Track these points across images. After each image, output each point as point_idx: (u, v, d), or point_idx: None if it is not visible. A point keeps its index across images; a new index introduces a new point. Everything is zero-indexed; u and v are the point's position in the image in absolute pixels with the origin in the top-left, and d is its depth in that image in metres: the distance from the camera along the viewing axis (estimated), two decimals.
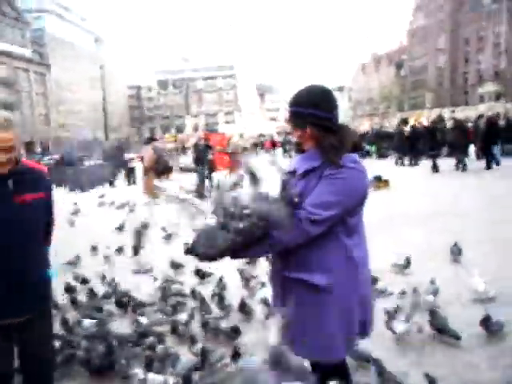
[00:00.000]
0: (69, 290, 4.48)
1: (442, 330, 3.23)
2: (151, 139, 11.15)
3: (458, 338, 3.13)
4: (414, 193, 10.27)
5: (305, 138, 1.82)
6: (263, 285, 4.13)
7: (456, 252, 5.04)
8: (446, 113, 46.47)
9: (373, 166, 16.04)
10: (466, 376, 2.80)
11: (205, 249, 1.66)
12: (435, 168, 13.67)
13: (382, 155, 20.83)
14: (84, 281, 4.81)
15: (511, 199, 8.44)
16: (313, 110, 1.76)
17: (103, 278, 4.85)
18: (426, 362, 3.00)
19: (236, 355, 2.93)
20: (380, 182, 11.17)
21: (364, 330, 1.91)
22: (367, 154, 20.93)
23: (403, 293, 4.00)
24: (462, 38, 61.88)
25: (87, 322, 3.53)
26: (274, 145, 29.23)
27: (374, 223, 7.03)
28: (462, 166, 13.40)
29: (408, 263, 4.79)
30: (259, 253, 1.80)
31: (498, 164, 13.57)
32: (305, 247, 1.72)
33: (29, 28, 52.84)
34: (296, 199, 1.68)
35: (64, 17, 63.26)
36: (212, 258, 1.68)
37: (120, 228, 7.69)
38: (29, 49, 52.16)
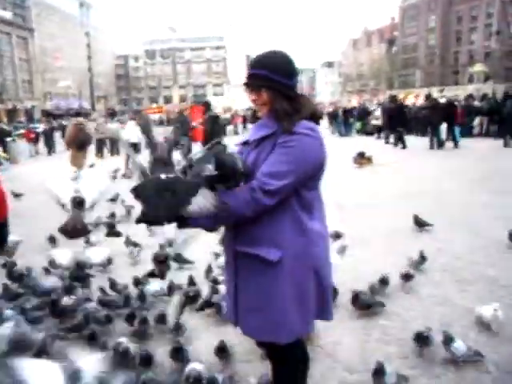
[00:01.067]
0: None
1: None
2: (77, 114, 11.61)
3: None
4: (397, 170, 10.32)
5: (259, 101, 1.76)
6: None
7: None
8: (435, 92, 46.56)
9: (357, 143, 16.25)
10: None
11: (153, 212, 1.57)
12: (402, 144, 14.63)
13: (367, 132, 20.85)
14: None
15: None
16: (269, 73, 1.71)
17: None
18: None
19: None
20: (363, 158, 11.19)
21: (323, 316, 1.88)
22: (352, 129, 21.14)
23: None
24: (454, 16, 61.28)
25: None
26: (244, 120, 27.70)
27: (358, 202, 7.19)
28: (437, 143, 13.86)
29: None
30: (207, 222, 1.69)
31: (456, 145, 13.98)
32: (256, 220, 1.68)
33: None
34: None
35: None
36: (159, 221, 1.63)
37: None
38: (10, 11, 50.22)
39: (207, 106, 12.02)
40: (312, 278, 1.77)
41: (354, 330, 3.15)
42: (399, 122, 15.45)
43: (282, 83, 1.73)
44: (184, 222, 1.67)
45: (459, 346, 2.67)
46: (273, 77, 1.71)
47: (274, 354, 1.95)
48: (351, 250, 4.81)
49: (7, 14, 49.51)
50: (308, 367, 2.02)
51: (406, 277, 3.76)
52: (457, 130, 14.36)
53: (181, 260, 4.20)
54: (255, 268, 1.74)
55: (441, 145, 13.94)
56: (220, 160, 1.61)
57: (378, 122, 19.50)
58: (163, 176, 1.55)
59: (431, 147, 13.93)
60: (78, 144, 11.02)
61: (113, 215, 6.15)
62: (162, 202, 1.52)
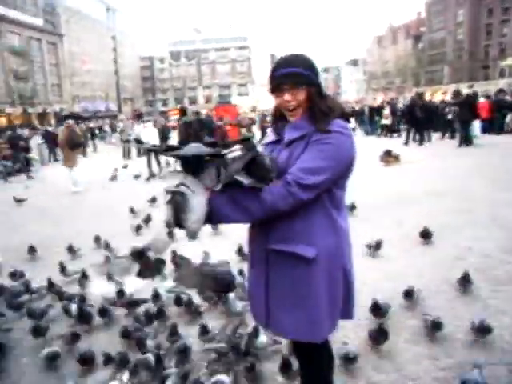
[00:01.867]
0: None
1: None
2: (67, 117, 12.08)
3: None
4: (425, 168, 10.11)
5: (295, 102, 1.73)
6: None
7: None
8: (464, 88, 45.30)
9: (382, 142, 16.02)
10: None
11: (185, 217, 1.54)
12: (419, 141, 15.07)
13: (394, 130, 20.40)
14: None
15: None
16: (311, 73, 1.72)
17: None
18: None
19: None
20: (390, 156, 11.02)
21: (347, 315, 1.87)
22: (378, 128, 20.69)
23: None
24: (484, 9, 59.50)
25: None
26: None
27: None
28: (464, 141, 13.45)
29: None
30: (241, 217, 1.63)
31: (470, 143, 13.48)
32: (291, 217, 1.67)
33: None
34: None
35: None
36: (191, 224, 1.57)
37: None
38: (41, 18, 51.65)
39: (182, 111, 12.50)
40: (341, 276, 1.78)
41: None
42: (426, 121, 15.21)
43: (318, 82, 1.74)
44: (217, 217, 1.62)
45: None
46: (311, 75, 1.72)
47: (304, 353, 1.94)
48: (380, 250, 4.80)
49: (38, 21, 50.88)
50: (333, 366, 2.02)
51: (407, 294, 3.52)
52: (476, 124, 13.94)
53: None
54: (290, 266, 1.72)
55: (470, 142, 13.54)
56: (257, 161, 1.58)
57: (388, 121, 19.19)
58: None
59: (460, 145, 13.56)
60: (71, 145, 12.05)
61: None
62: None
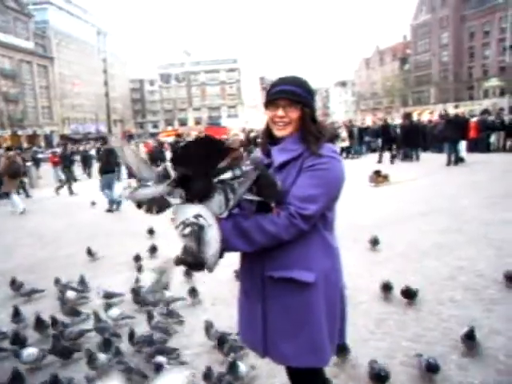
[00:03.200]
0: None
1: None
2: (8, 149, 12.91)
3: None
4: (415, 188, 10.20)
5: (286, 119, 1.74)
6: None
7: None
8: (450, 108, 46.27)
9: (369, 161, 16.20)
10: None
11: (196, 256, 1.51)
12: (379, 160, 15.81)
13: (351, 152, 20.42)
14: None
15: None
16: (308, 95, 1.75)
17: None
18: None
19: None
20: (379, 176, 11.11)
21: (341, 338, 1.87)
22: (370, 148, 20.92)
23: None
24: (466, 32, 61.26)
25: None
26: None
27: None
28: (455, 159, 13.73)
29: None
30: (243, 245, 1.64)
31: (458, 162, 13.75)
32: (287, 244, 1.66)
33: (32, 20, 52.69)
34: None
35: (66, 9, 62.98)
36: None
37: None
38: (32, 41, 52.03)
39: (105, 140, 13.43)
40: (338, 297, 1.79)
41: (377, 351, 3.09)
42: (415, 140, 15.68)
43: (312, 105, 1.77)
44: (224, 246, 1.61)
45: None
46: (307, 97, 1.75)
47: (301, 379, 1.88)
48: (370, 268, 4.80)
49: (29, 45, 51.26)
50: None
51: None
52: (463, 144, 14.25)
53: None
54: (289, 292, 1.70)
55: (459, 160, 13.77)
56: (262, 178, 1.58)
57: (346, 144, 19.44)
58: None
59: (448, 164, 13.76)
60: (11, 173, 12.48)
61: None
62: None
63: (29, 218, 10.14)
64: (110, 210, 10.01)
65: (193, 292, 4.17)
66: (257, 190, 1.58)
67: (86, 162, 20.80)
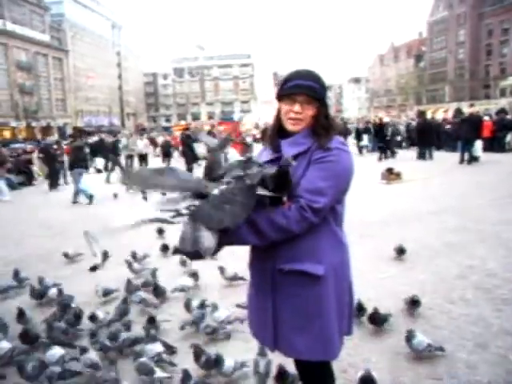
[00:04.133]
0: None
1: None
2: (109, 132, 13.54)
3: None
4: (427, 186, 10.10)
5: (302, 115, 1.73)
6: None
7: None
8: (465, 107, 45.53)
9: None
10: None
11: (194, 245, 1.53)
12: (380, 157, 16.60)
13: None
14: None
15: None
16: (323, 91, 1.75)
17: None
18: None
19: None
20: (391, 174, 11.02)
21: (348, 331, 1.88)
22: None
23: None
24: (484, 30, 60.28)
25: None
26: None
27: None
28: (468, 158, 13.57)
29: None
30: (254, 239, 1.63)
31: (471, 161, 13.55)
32: (298, 237, 1.66)
33: (48, 13, 53.11)
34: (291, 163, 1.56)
35: (82, 2, 63.37)
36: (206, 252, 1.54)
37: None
38: (47, 34, 52.50)
39: (75, 134, 14.11)
40: (347, 290, 1.80)
41: (383, 349, 3.08)
42: (429, 138, 15.80)
43: (326, 102, 1.78)
44: (230, 238, 1.61)
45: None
46: (323, 93, 1.76)
47: (310, 372, 1.88)
48: (379, 266, 4.77)
49: (45, 37, 51.74)
50: None
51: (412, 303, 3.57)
52: (478, 143, 13.87)
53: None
54: (299, 285, 1.70)
55: (473, 160, 13.58)
56: (282, 171, 1.56)
57: (365, 142, 20.18)
58: (216, 191, 1.55)
59: (461, 162, 13.62)
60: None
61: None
62: (224, 214, 1.51)
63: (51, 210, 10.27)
64: (75, 202, 10.67)
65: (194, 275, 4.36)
66: (274, 186, 1.57)
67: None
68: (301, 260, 1.69)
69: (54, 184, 14.12)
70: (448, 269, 4.58)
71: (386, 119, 19.98)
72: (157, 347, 2.96)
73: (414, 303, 3.53)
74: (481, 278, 4.26)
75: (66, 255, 5.74)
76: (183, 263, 4.87)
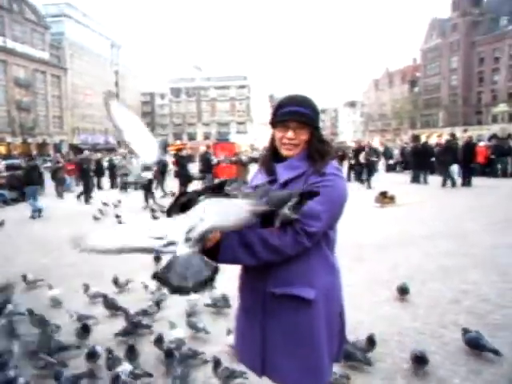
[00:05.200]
0: None
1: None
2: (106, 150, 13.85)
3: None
4: (420, 210, 10.15)
5: (295, 141, 1.75)
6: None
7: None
8: (458, 132, 46.34)
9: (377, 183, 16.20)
10: None
11: (179, 280, 1.42)
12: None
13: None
14: None
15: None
16: (316, 116, 1.77)
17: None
18: None
19: None
20: (385, 197, 11.07)
21: (337, 358, 1.86)
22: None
23: None
24: (476, 57, 61.68)
25: None
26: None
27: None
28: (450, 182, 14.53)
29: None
30: (247, 259, 1.62)
31: (454, 184, 14.54)
32: (290, 260, 1.65)
33: (48, 32, 53.79)
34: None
35: (82, 22, 64.29)
36: (187, 291, 1.45)
37: None
38: (47, 52, 53.06)
39: (31, 157, 14.38)
40: (338, 316, 1.78)
41: (377, 375, 3.04)
42: (425, 162, 16.37)
43: (319, 128, 1.80)
44: (222, 256, 1.59)
45: None
46: (316, 118, 1.77)
47: None
48: (373, 290, 4.75)
49: (45, 55, 52.30)
50: None
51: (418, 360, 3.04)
52: (454, 167, 14.94)
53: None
54: (290, 309, 1.68)
55: (454, 183, 14.55)
56: (275, 197, 1.55)
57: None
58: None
59: (443, 185, 14.56)
60: None
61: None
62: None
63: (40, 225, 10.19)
64: (32, 217, 11.21)
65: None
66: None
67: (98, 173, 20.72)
68: (292, 283, 1.67)
69: (87, 197, 14.41)
70: (441, 293, 4.57)
71: (374, 142, 20.24)
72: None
73: (419, 360, 3.04)
74: (474, 303, 4.25)
75: (24, 279, 5.35)
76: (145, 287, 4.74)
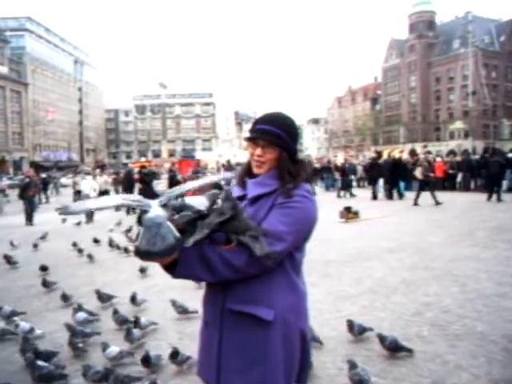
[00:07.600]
0: None
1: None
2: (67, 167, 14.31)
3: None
4: (383, 225, 10.41)
5: (263, 158, 1.75)
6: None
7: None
8: (418, 148, 48.17)
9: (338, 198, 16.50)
10: None
11: (148, 245, 1.47)
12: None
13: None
14: None
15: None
16: (285, 135, 1.73)
17: None
18: None
19: None
20: (349, 213, 11.29)
21: (301, 381, 1.81)
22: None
23: None
24: (433, 77, 64.54)
25: None
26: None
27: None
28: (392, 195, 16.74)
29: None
30: (204, 275, 1.61)
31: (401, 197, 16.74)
32: (250, 278, 1.63)
33: (8, 46, 52.49)
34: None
35: (44, 37, 63.18)
36: (154, 255, 1.49)
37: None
38: (6, 66, 51.65)
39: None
40: (299, 339, 1.73)
41: None
42: (399, 177, 17.50)
43: (291, 147, 1.77)
44: (179, 270, 1.58)
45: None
46: (287, 139, 1.75)
47: None
48: (338, 305, 4.82)
49: (3, 70, 50.87)
50: None
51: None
52: (401, 184, 17.45)
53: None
54: (246, 327, 1.66)
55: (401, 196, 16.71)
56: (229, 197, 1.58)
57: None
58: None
59: (389, 198, 16.72)
60: None
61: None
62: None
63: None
64: None
65: None
66: (221, 225, 1.56)
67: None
68: (251, 302, 1.65)
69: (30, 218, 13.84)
70: (405, 306, 4.68)
71: (338, 159, 21.45)
72: None
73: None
74: (436, 315, 4.38)
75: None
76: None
